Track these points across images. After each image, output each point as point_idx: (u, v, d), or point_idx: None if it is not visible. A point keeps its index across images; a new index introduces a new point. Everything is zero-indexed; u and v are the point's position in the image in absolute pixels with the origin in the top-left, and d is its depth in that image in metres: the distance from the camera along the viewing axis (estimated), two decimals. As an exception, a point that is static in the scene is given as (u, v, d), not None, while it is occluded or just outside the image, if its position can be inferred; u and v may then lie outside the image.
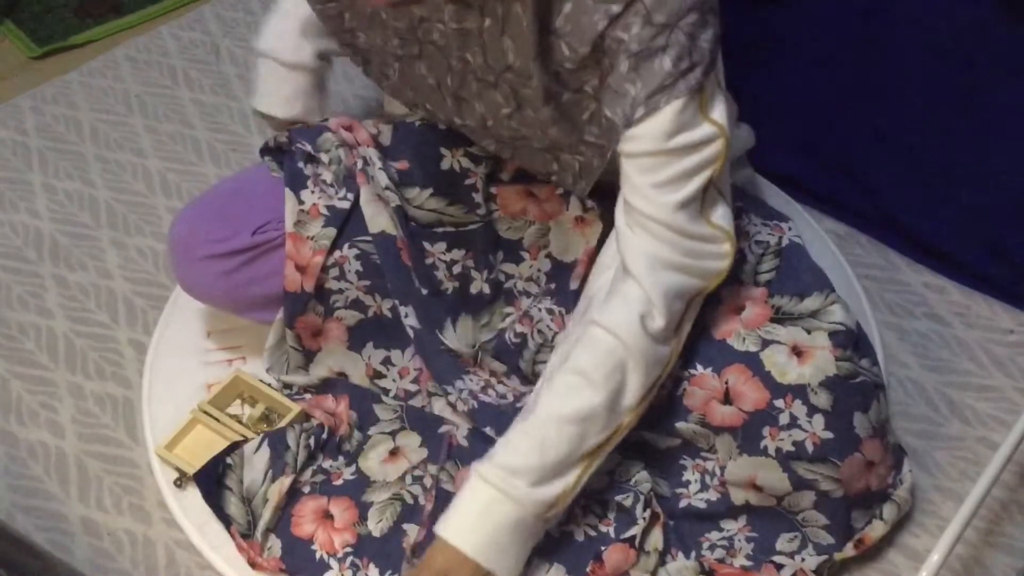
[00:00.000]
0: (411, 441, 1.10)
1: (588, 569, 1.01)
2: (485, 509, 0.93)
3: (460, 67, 0.96)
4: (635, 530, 1.01)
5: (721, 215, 0.94)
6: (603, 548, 1.01)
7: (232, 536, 1.05)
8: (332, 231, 1.10)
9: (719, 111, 0.89)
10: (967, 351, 1.30)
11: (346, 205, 1.11)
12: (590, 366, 0.93)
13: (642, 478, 1.05)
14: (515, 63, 0.91)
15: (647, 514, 1.02)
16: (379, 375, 1.16)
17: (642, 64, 0.84)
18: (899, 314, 1.34)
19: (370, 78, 1.08)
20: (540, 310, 1.12)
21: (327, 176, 1.12)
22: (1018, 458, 1.14)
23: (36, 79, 1.74)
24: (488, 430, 1.08)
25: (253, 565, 1.04)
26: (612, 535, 1.02)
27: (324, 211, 1.10)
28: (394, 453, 1.10)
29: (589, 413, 0.93)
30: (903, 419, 1.21)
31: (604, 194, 1.07)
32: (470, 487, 0.95)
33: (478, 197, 1.09)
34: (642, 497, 1.03)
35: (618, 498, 1.03)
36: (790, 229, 1.07)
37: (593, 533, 1.03)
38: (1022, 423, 1.02)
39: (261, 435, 1.10)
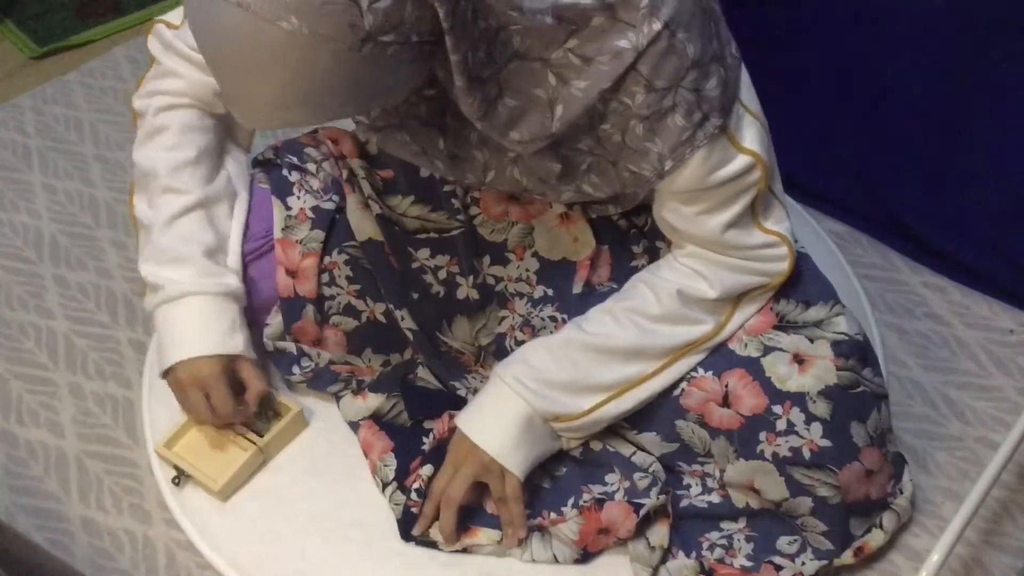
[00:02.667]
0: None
1: (585, 505, 1.03)
2: (497, 403, 1.01)
3: (455, 124, 0.95)
4: (645, 501, 1.02)
5: (774, 220, 0.97)
6: (606, 500, 1.04)
7: None
8: (320, 234, 1.11)
9: (750, 137, 0.90)
10: (967, 351, 1.30)
11: (331, 206, 1.12)
12: (620, 309, 1.00)
13: (658, 468, 1.06)
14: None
15: (661, 498, 1.02)
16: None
17: (656, 124, 0.86)
18: (899, 314, 1.34)
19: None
20: (543, 319, 1.11)
21: (314, 183, 1.13)
22: (1018, 458, 1.14)
23: (36, 79, 1.75)
24: None
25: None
26: (621, 496, 1.04)
27: (310, 214, 1.11)
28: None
29: (612, 347, 0.99)
30: (903, 419, 1.21)
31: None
32: (488, 388, 1.03)
33: (457, 203, 1.09)
34: (659, 482, 1.04)
35: (636, 475, 1.05)
36: (796, 241, 1.07)
37: (602, 487, 1.05)
38: (1022, 423, 1.02)
39: None
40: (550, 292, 1.11)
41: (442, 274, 1.11)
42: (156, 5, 1.91)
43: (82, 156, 1.59)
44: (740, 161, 0.90)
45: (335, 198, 1.13)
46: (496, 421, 1.01)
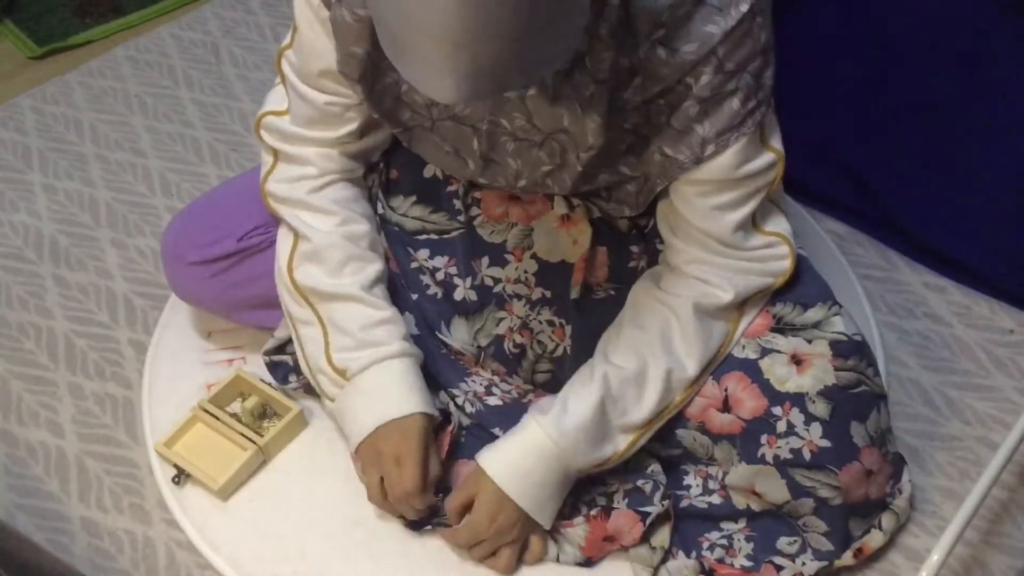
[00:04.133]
0: None
1: (592, 513, 1.04)
2: (537, 459, 0.98)
3: (489, 130, 0.96)
4: (651, 509, 1.02)
5: (774, 221, 0.99)
6: (614, 507, 1.04)
7: None
8: None
9: (776, 136, 0.93)
10: (967, 351, 1.30)
11: None
12: (643, 337, 0.99)
13: (657, 470, 1.06)
14: (571, 128, 0.92)
15: (665, 503, 1.02)
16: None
17: (712, 107, 0.87)
18: (899, 314, 1.34)
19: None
20: (541, 323, 1.11)
21: None
22: (1018, 458, 1.14)
23: (36, 79, 1.75)
24: (496, 431, 1.08)
25: None
26: (621, 497, 1.04)
27: None
28: None
29: (646, 379, 0.98)
30: (903, 419, 1.21)
31: (589, 192, 1.08)
32: (524, 431, 0.99)
33: (459, 204, 1.09)
34: (661, 486, 1.04)
35: (639, 483, 1.04)
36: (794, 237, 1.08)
37: (602, 487, 1.05)
38: (1022, 423, 1.02)
39: None
40: (548, 294, 1.11)
41: (440, 275, 1.11)
42: (156, 5, 1.91)
43: (82, 156, 1.59)
44: (766, 157, 0.92)
45: None
46: (532, 476, 0.98)
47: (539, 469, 0.98)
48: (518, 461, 0.99)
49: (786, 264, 0.99)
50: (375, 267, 1.05)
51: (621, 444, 1.00)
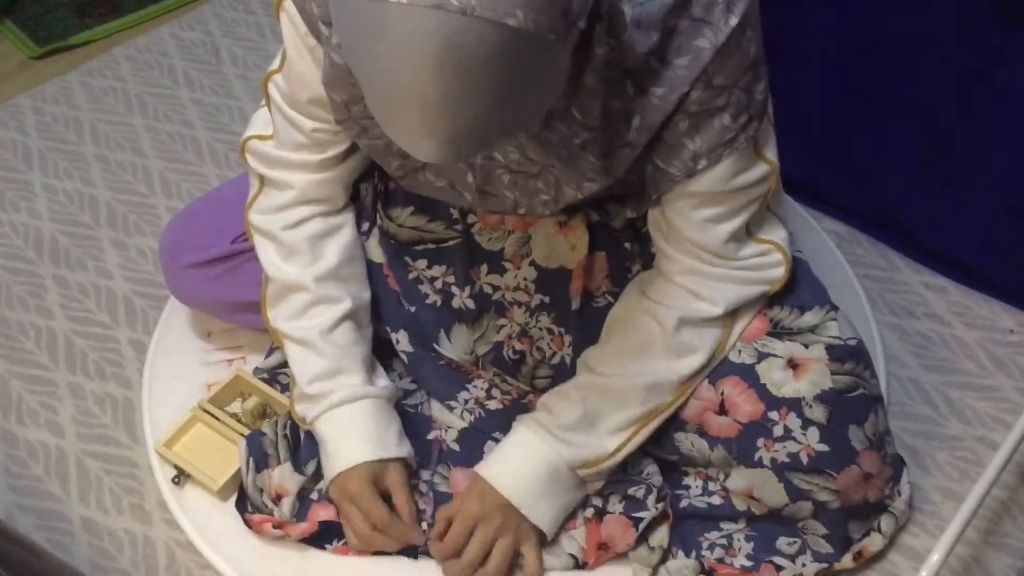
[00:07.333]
0: None
1: (587, 515, 1.03)
2: (524, 454, 1.00)
3: (484, 164, 0.96)
4: (644, 514, 1.02)
5: (768, 229, 0.98)
6: (608, 511, 1.04)
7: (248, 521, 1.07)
8: None
9: (771, 148, 0.92)
10: (967, 351, 1.30)
11: None
12: (629, 347, 0.99)
13: (653, 471, 1.06)
14: (565, 166, 0.92)
15: (659, 505, 1.02)
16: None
17: (702, 122, 0.86)
18: (899, 314, 1.34)
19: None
20: (540, 330, 1.11)
21: None
22: (1018, 458, 1.14)
23: (36, 79, 1.75)
24: (496, 435, 1.09)
25: (280, 527, 1.05)
26: (617, 502, 1.04)
27: None
28: None
29: (630, 387, 0.99)
30: (903, 419, 1.21)
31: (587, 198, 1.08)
32: (512, 436, 1.02)
33: (455, 212, 1.09)
34: (655, 489, 1.03)
35: (631, 490, 1.04)
36: (795, 247, 1.07)
37: (600, 504, 1.05)
38: (1022, 423, 1.02)
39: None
40: (547, 300, 1.11)
41: (438, 284, 1.11)
42: (156, 5, 1.91)
43: (82, 156, 1.59)
44: (759, 169, 0.91)
45: None
46: (521, 469, 0.99)
47: (524, 460, 0.99)
48: (502, 457, 1.01)
49: (780, 271, 0.99)
50: (341, 307, 1.04)
51: (611, 444, 1.00)
